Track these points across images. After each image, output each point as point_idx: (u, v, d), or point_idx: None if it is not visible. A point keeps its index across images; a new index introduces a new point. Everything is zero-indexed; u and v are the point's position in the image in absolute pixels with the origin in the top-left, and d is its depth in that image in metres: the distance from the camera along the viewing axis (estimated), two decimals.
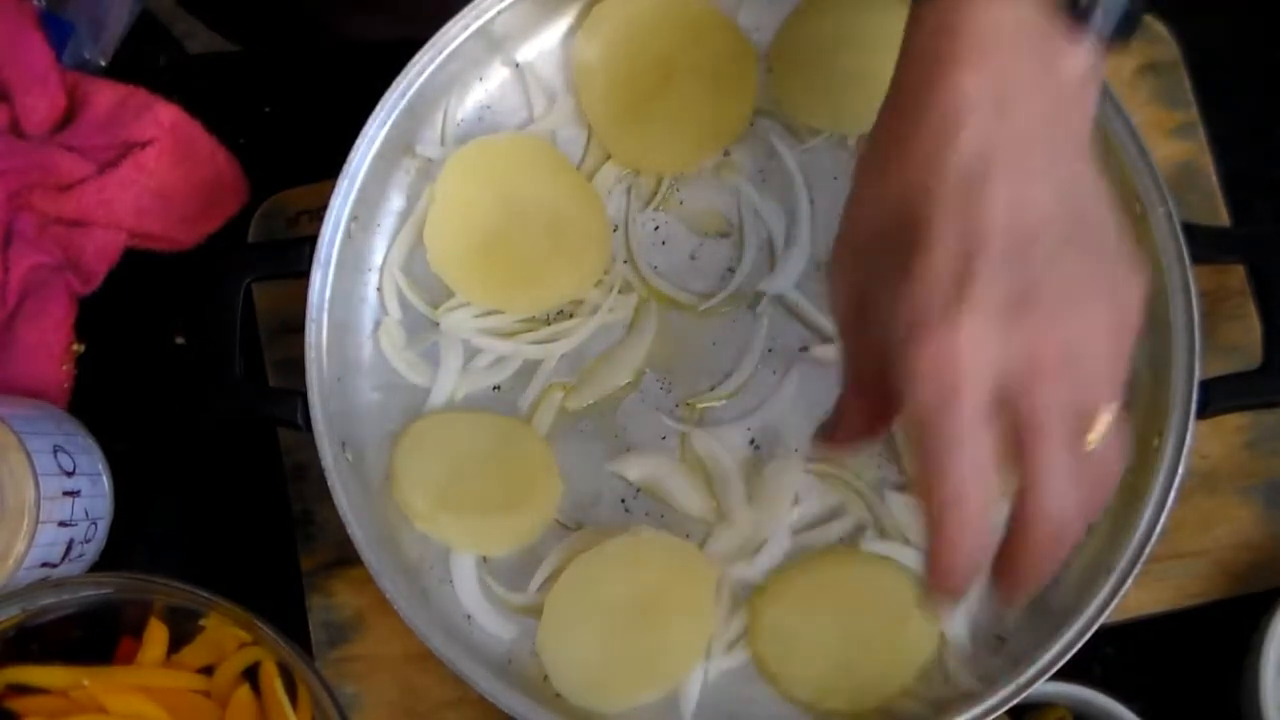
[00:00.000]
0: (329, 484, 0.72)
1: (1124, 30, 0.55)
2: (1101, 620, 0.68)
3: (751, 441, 0.77)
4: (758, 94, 0.79)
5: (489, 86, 0.81)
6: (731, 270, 0.79)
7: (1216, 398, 0.70)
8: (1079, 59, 0.54)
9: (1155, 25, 0.82)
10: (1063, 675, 0.68)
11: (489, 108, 0.81)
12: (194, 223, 0.84)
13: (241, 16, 0.95)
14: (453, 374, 0.78)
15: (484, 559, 0.76)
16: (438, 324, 0.78)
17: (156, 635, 0.70)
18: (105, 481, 0.80)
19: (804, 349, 0.77)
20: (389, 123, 0.76)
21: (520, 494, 0.75)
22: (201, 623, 0.69)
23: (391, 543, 0.74)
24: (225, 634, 0.69)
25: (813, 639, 0.72)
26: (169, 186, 0.82)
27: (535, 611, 0.74)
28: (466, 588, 0.75)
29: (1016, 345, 0.50)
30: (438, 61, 0.76)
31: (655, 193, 0.79)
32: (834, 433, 0.60)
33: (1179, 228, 0.71)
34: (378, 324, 0.79)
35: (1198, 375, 0.69)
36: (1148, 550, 0.68)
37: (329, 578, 0.80)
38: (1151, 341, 0.73)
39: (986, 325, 0.49)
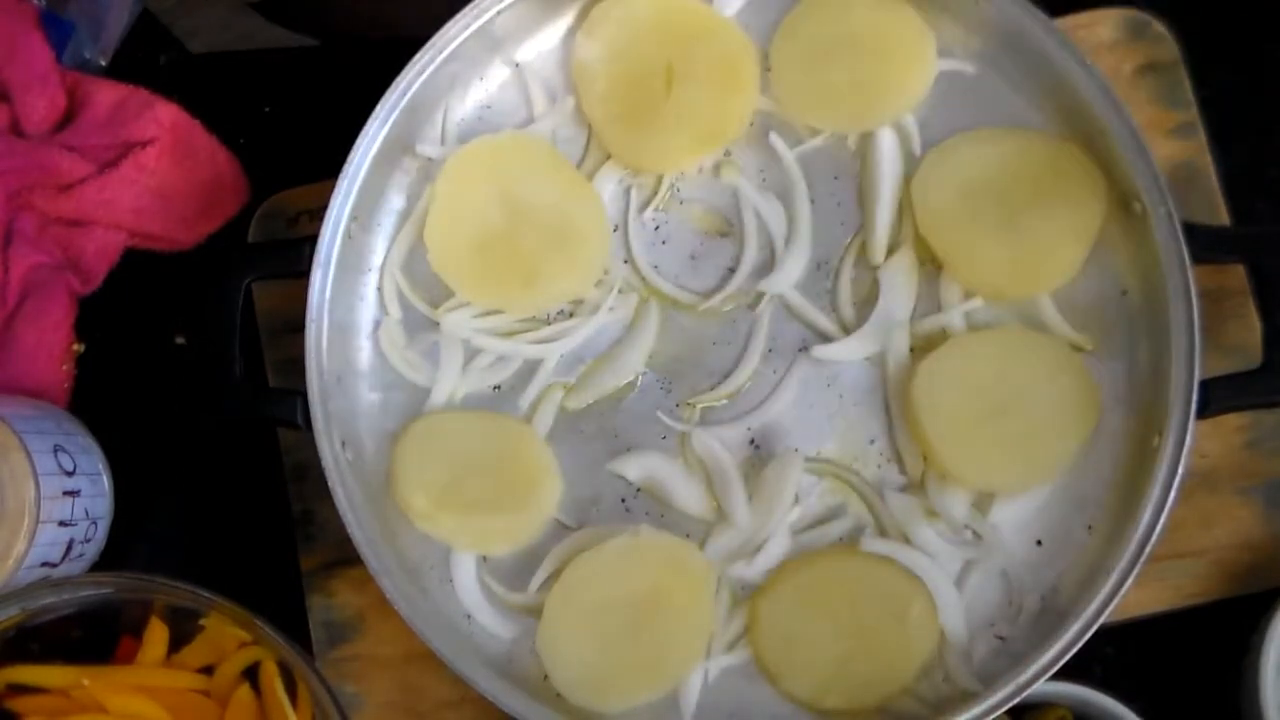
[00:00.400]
0: (329, 484, 0.72)
1: None
2: (1101, 620, 0.68)
3: (751, 441, 0.77)
4: (758, 94, 0.79)
5: (489, 86, 0.81)
6: (731, 270, 0.79)
7: (1216, 398, 0.70)
8: None
9: (1155, 25, 0.82)
10: (1063, 675, 0.68)
11: (489, 107, 0.81)
12: (194, 223, 0.84)
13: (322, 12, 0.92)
14: (453, 374, 0.78)
15: (484, 559, 0.76)
16: (438, 324, 0.78)
17: (156, 635, 0.70)
18: (105, 481, 0.80)
19: (804, 349, 0.77)
20: (389, 123, 0.76)
21: (520, 494, 0.75)
22: (201, 623, 0.69)
23: (391, 543, 0.74)
24: (225, 634, 0.69)
25: (812, 638, 0.72)
26: (169, 186, 0.82)
27: (535, 611, 0.74)
28: (466, 588, 0.75)
29: None
30: (438, 62, 0.76)
31: (655, 193, 0.80)
32: None
33: (1179, 228, 0.71)
34: (378, 324, 0.79)
35: (1198, 375, 0.69)
36: (1148, 550, 0.68)
37: (329, 578, 0.80)
38: (1151, 341, 0.73)
39: None
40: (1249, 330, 0.78)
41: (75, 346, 0.83)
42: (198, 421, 0.82)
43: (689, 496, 0.76)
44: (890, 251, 0.77)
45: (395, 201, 0.80)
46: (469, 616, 0.75)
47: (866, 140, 0.78)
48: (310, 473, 0.80)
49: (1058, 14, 0.77)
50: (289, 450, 0.82)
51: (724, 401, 0.77)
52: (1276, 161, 0.83)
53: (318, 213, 0.75)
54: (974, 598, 0.73)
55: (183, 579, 0.67)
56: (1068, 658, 0.68)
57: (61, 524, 0.74)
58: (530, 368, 0.78)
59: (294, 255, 0.75)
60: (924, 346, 0.76)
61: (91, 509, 0.77)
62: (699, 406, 0.77)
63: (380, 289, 0.79)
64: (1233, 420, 0.77)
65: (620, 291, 0.78)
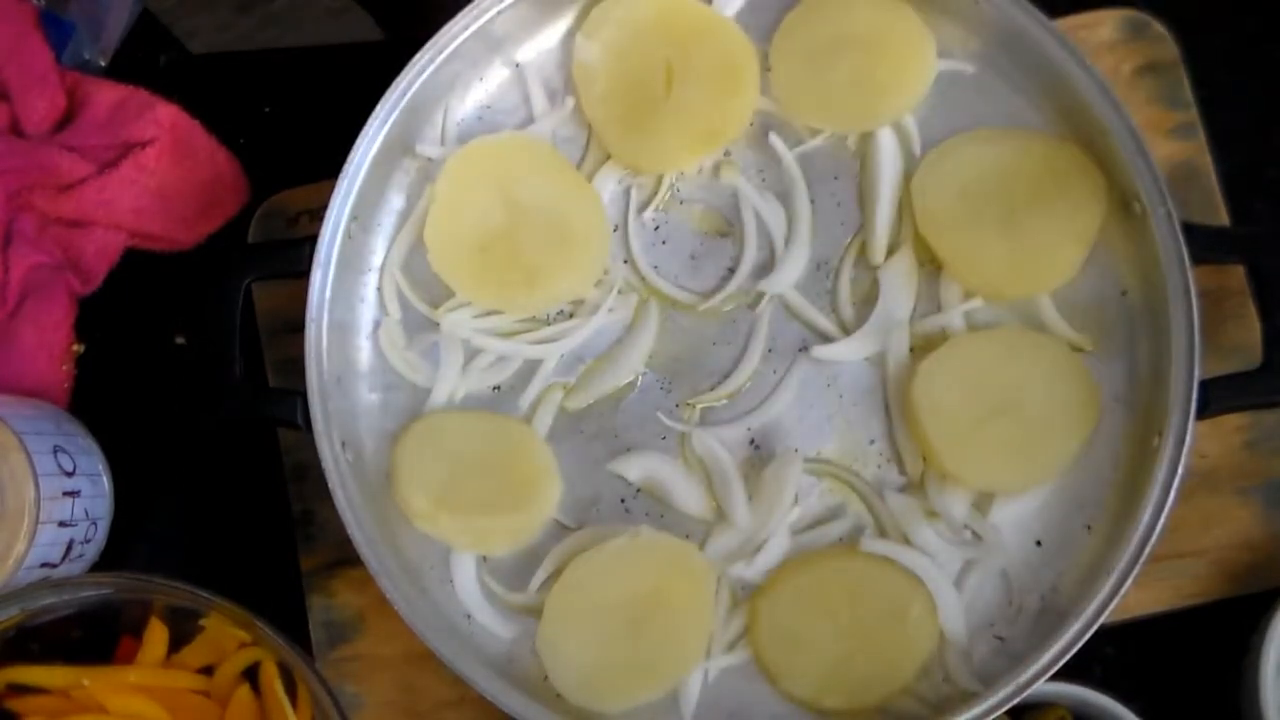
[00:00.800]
0: (329, 484, 0.72)
1: None
2: (1101, 620, 0.68)
3: (751, 441, 0.77)
4: (758, 94, 0.79)
5: (489, 86, 0.81)
6: (731, 270, 0.79)
7: (1216, 398, 0.70)
8: None
9: (1155, 25, 0.82)
10: (1063, 675, 0.68)
11: (489, 108, 0.81)
12: (194, 223, 0.84)
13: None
14: (453, 374, 0.78)
15: (484, 559, 0.76)
16: (438, 324, 0.78)
17: (156, 635, 0.70)
18: (105, 481, 0.80)
19: (804, 349, 0.77)
20: (389, 123, 0.76)
21: (520, 494, 0.75)
22: (201, 623, 0.69)
23: (391, 543, 0.74)
24: (225, 634, 0.69)
25: (812, 638, 0.72)
26: (169, 186, 0.82)
27: (535, 611, 0.74)
28: (466, 588, 0.75)
29: None
30: (438, 62, 0.76)
31: (655, 193, 0.80)
32: None
33: (1179, 228, 0.71)
34: (378, 324, 0.79)
35: (1198, 375, 0.69)
36: (1148, 550, 0.68)
37: (329, 578, 0.80)
38: (1151, 341, 0.73)
39: None
40: (1249, 330, 0.78)
41: (75, 346, 0.83)
42: (198, 421, 0.82)
43: (689, 497, 0.76)
44: (890, 251, 0.77)
45: (395, 201, 0.80)
46: (469, 616, 0.75)
47: (866, 140, 0.78)
48: (310, 473, 0.80)
49: (1058, 14, 0.77)
50: (289, 450, 0.82)
51: (724, 401, 0.77)
52: (1276, 161, 0.83)
53: (318, 213, 0.75)
54: (974, 598, 0.73)
55: (183, 579, 0.67)
56: (1068, 658, 0.68)
57: (61, 524, 0.74)
58: (530, 368, 0.78)
59: (294, 255, 0.75)
60: (924, 346, 0.76)
61: (91, 509, 0.77)
62: (699, 406, 0.77)
63: (380, 289, 0.79)
64: (1232, 420, 0.77)
65: (620, 292, 0.78)
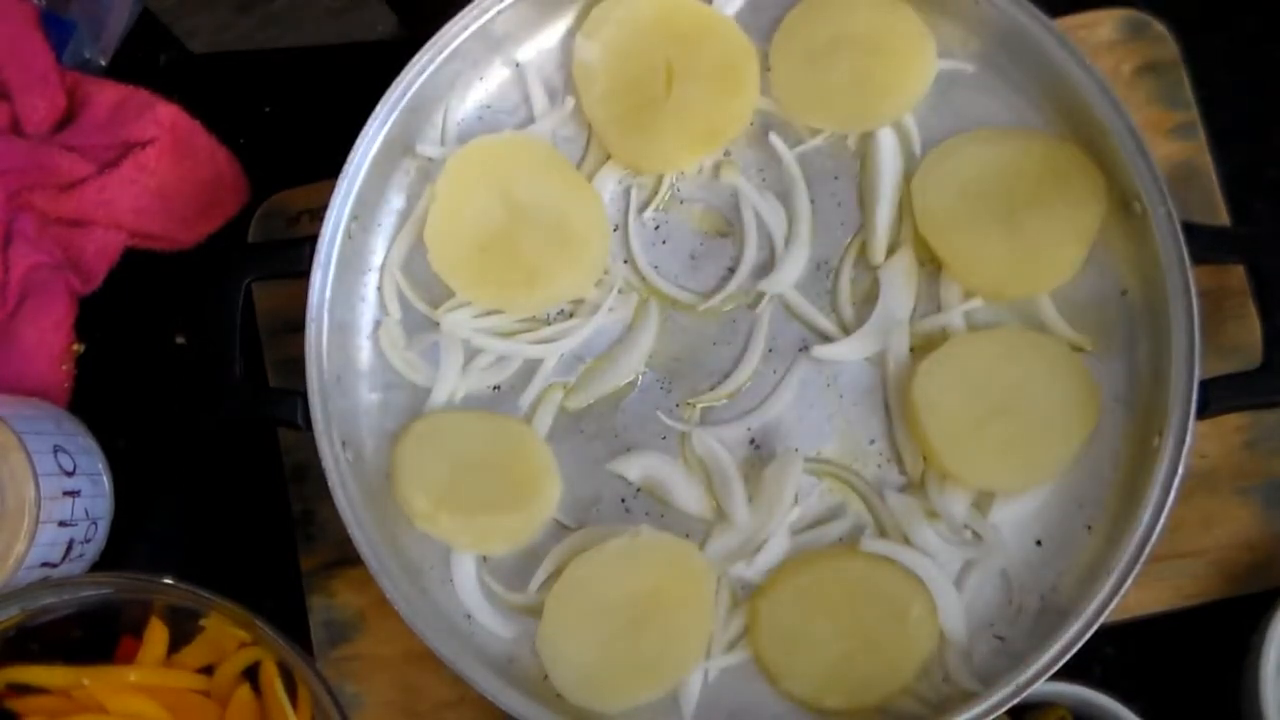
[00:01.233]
0: (329, 484, 0.72)
1: None
2: (1101, 620, 0.68)
3: (751, 441, 0.77)
4: (758, 94, 0.79)
5: (489, 86, 0.81)
6: (731, 270, 0.79)
7: (1216, 398, 0.70)
8: None
9: (1155, 25, 0.82)
10: (1063, 675, 0.68)
11: (489, 107, 0.81)
12: (194, 223, 0.84)
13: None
14: (453, 374, 0.78)
15: (484, 559, 0.76)
16: (438, 324, 0.78)
17: (156, 635, 0.70)
18: (105, 481, 0.80)
19: (804, 349, 0.77)
20: (389, 123, 0.76)
21: (520, 494, 0.75)
22: (201, 623, 0.69)
23: (391, 543, 0.74)
24: (225, 634, 0.69)
25: (812, 638, 0.72)
26: (169, 186, 0.82)
27: (535, 611, 0.74)
28: (466, 587, 0.75)
29: None
30: (438, 62, 0.76)
31: (655, 193, 0.80)
32: None
33: (1179, 228, 0.71)
34: (378, 324, 0.79)
35: (1198, 375, 0.69)
36: (1148, 550, 0.68)
37: (329, 578, 0.80)
38: (1151, 341, 0.73)
39: None
40: (1249, 330, 0.78)
41: (75, 346, 0.83)
42: (198, 421, 0.82)
43: (689, 496, 0.76)
44: (890, 251, 0.77)
45: (395, 201, 0.80)
46: (469, 616, 0.75)
47: (866, 140, 0.78)
48: (310, 473, 0.80)
49: (1058, 14, 0.77)
50: (289, 450, 0.82)
51: (724, 401, 0.77)
52: (1276, 161, 0.83)
53: (318, 213, 0.75)
54: (974, 598, 0.73)
55: (183, 579, 0.67)
56: (1068, 658, 0.68)
57: (61, 524, 0.74)
58: (530, 368, 0.78)
59: (294, 255, 0.75)
60: (924, 346, 0.76)
61: (91, 509, 0.77)
62: (699, 406, 0.77)
63: (380, 289, 0.79)
64: (1232, 420, 0.77)
65: (620, 291, 0.78)
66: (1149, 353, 0.73)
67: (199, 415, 0.82)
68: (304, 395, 0.73)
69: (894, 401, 0.76)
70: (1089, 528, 0.73)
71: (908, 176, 0.78)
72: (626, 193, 0.80)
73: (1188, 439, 0.69)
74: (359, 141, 0.75)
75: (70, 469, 0.75)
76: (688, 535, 0.75)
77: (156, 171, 0.82)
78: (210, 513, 0.84)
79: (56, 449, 0.75)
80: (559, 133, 0.80)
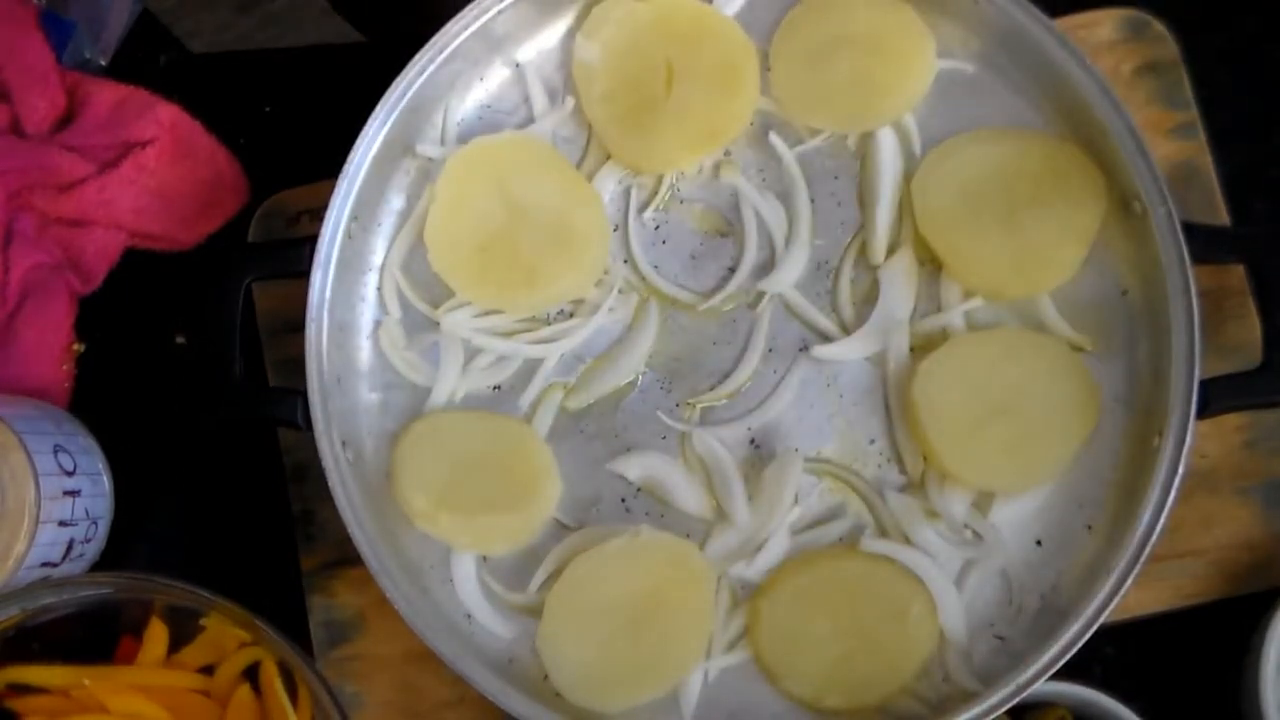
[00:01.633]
0: (329, 484, 0.72)
1: None
2: (1101, 620, 0.68)
3: (751, 441, 0.77)
4: (758, 94, 0.79)
5: (489, 86, 0.81)
6: (731, 270, 0.79)
7: (1216, 398, 0.70)
8: None
9: (1155, 25, 0.82)
10: (1063, 675, 0.68)
11: (489, 107, 0.81)
12: (194, 223, 0.84)
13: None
14: (453, 374, 0.78)
15: (484, 559, 0.76)
16: (438, 324, 0.78)
17: (157, 635, 0.70)
18: (105, 481, 0.80)
19: (804, 349, 0.77)
20: (389, 123, 0.76)
21: (520, 494, 0.75)
22: (202, 622, 0.69)
23: (391, 543, 0.74)
24: (225, 634, 0.69)
25: (812, 638, 0.72)
26: (169, 186, 0.82)
27: (535, 611, 0.74)
28: (466, 587, 0.75)
29: None
30: (438, 62, 0.76)
31: (655, 193, 0.80)
32: None
33: (1179, 228, 0.71)
34: (378, 324, 0.79)
35: (1198, 375, 0.69)
36: (1148, 550, 0.68)
37: (329, 578, 0.80)
38: (1151, 341, 0.73)
39: None
40: (1249, 330, 0.78)
41: (75, 346, 0.83)
42: (198, 421, 0.82)
43: (689, 496, 0.76)
44: (890, 251, 0.77)
45: (395, 201, 0.80)
46: (469, 616, 0.75)
47: (866, 140, 0.78)
48: (310, 473, 0.80)
49: (1058, 14, 0.77)
50: (289, 450, 0.82)
51: (724, 401, 0.77)
52: (1276, 161, 0.83)
53: (318, 213, 0.75)
54: (974, 598, 0.73)
55: (183, 579, 0.67)
56: (1068, 658, 0.68)
57: (61, 524, 0.74)
58: (530, 368, 0.78)
59: (294, 255, 0.75)
60: (924, 346, 0.76)
61: (91, 509, 0.77)
62: (699, 406, 0.77)
63: (380, 289, 0.79)
64: (1232, 420, 0.77)
65: (620, 291, 0.78)
66: (1149, 353, 0.73)
67: (199, 415, 0.82)
68: (304, 395, 0.73)
69: (894, 401, 0.76)
70: (1089, 528, 0.73)
71: (908, 176, 0.78)
72: (626, 193, 0.80)
73: (1188, 439, 0.69)
74: (359, 141, 0.75)
75: (70, 469, 0.75)
76: (688, 535, 0.75)
77: (156, 171, 0.82)
78: (210, 513, 0.84)
79: (56, 449, 0.75)
80: (559, 133, 0.81)
